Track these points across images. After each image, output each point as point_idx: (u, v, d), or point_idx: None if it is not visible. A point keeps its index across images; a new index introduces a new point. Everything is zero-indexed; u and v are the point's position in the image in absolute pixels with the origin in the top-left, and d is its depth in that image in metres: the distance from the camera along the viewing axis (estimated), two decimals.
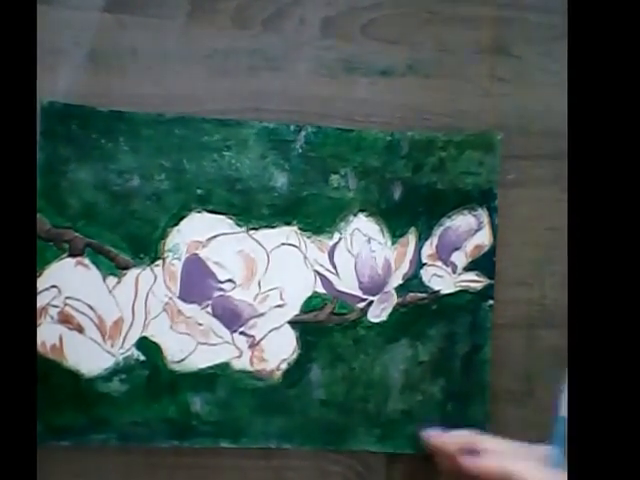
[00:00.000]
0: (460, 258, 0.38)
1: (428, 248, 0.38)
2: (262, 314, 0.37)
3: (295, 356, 0.37)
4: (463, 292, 0.38)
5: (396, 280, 0.38)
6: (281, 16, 0.38)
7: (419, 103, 0.39)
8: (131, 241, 0.36)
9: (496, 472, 0.31)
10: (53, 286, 0.35)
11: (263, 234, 0.37)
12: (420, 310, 0.38)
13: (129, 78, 0.37)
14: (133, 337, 0.36)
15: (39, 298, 0.35)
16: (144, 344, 0.36)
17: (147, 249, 0.36)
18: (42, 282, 0.35)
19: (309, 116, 0.38)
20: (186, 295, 0.36)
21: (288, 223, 0.37)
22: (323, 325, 0.37)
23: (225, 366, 0.36)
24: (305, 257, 0.37)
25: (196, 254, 0.36)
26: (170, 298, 0.36)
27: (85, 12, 0.36)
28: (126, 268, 0.36)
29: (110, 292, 0.36)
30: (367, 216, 0.38)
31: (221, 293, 0.37)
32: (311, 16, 0.38)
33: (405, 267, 0.38)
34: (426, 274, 0.38)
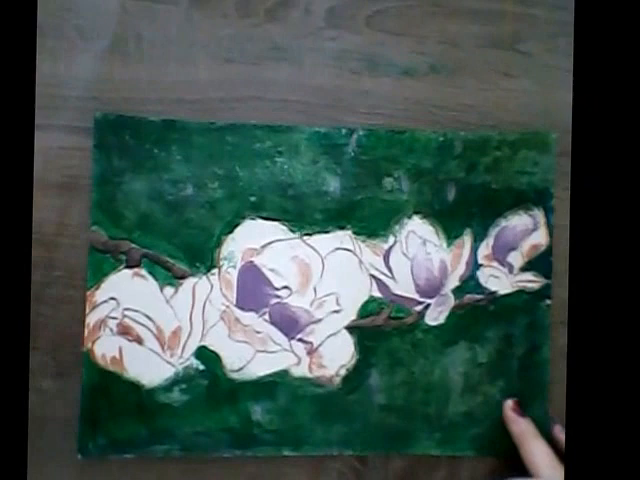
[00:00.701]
0: (516, 258, 0.38)
1: (484, 249, 0.38)
2: (319, 320, 0.37)
3: (354, 362, 0.37)
4: (520, 292, 0.38)
5: (453, 282, 0.37)
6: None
7: (470, 102, 0.38)
8: (187, 250, 0.36)
9: None
10: (112, 298, 0.35)
11: (317, 239, 0.37)
12: (477, 312, 0.37)
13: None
14: (192, 347, 0.36)
15: (98, 310, 0.35)
16: (203, 353, 0.36)
17: (203, 258, 0.36)
18: (101, 294, 0.35)
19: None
20: (243, 303, 0.36)
21: (342, 227, 0.37)
22: (381, 330, 0.37)
23: (284, 373, 0.36)
24: (360, 261, 0.37)
25: (251, 261, 0.36)
26: (227, 306, 0.36)
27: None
28: (183, 278, 0.36)
29: (167, 302, 0.36)
30: (422, 218, 0.37)
31: (278, 300, 0.36)
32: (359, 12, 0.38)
33: (461, 269, 0.37)
34: (483, 275, 0.38)
